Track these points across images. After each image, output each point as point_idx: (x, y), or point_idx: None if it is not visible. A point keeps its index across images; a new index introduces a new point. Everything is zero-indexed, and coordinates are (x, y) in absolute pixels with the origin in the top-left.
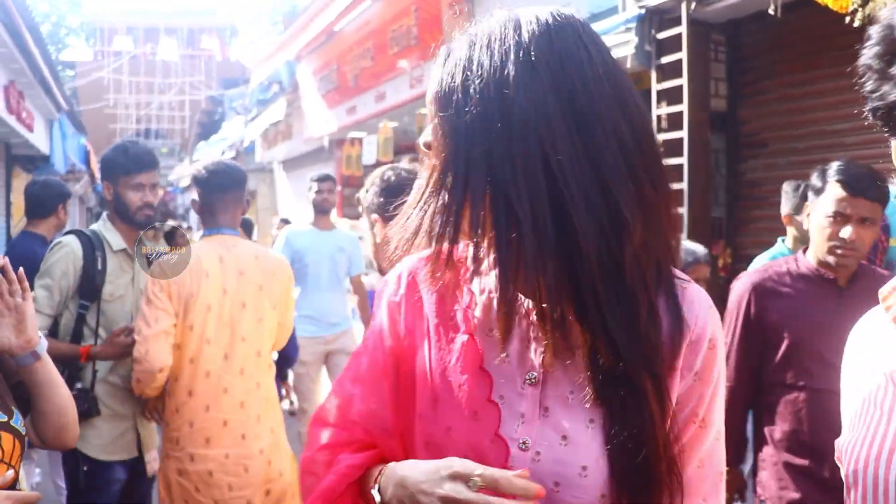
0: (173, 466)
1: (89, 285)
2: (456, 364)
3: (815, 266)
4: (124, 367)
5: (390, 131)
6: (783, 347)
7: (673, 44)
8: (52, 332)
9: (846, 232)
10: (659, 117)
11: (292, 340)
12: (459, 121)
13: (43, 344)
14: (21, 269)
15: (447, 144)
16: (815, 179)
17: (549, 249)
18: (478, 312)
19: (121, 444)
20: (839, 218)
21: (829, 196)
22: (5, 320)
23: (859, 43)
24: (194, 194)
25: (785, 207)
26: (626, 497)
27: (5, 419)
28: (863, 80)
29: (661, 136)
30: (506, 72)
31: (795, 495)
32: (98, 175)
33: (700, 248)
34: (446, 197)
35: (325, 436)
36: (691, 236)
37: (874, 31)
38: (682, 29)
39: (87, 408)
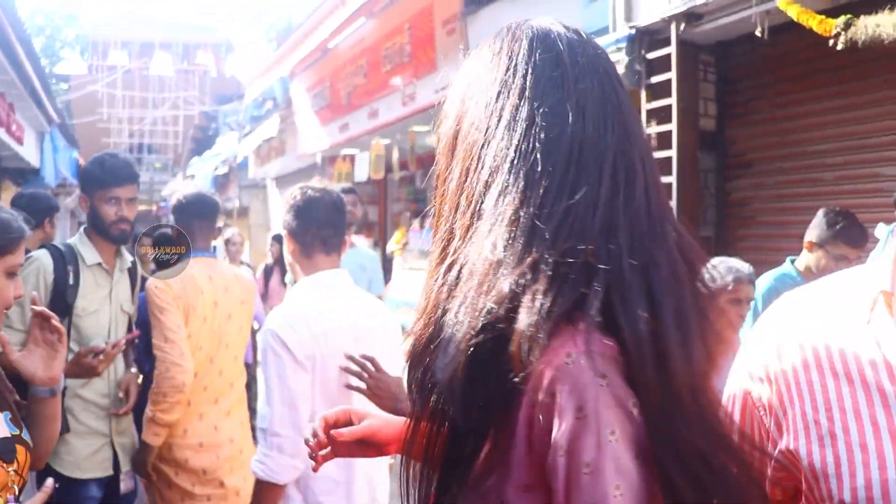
0: (157, 454)
1: (60, 300)
2: None
3: None
4: (102, 383)
5: (382, 148)
6: None
7: (662, 64)
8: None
9: None
10: (648, 136)
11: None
12: None
13: (62, 384)
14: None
15: None
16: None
17: None
18: None
19: (95, 462)
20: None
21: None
22: (38, 351)
23: (843, 65)
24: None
25: (812, 234)
26: None
27: (17, 432)
28: None
29: None
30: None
31: None
32: None
33: (744, 266)
34: None
35: None
36: None
37: None
38: (672, 49)
39: None
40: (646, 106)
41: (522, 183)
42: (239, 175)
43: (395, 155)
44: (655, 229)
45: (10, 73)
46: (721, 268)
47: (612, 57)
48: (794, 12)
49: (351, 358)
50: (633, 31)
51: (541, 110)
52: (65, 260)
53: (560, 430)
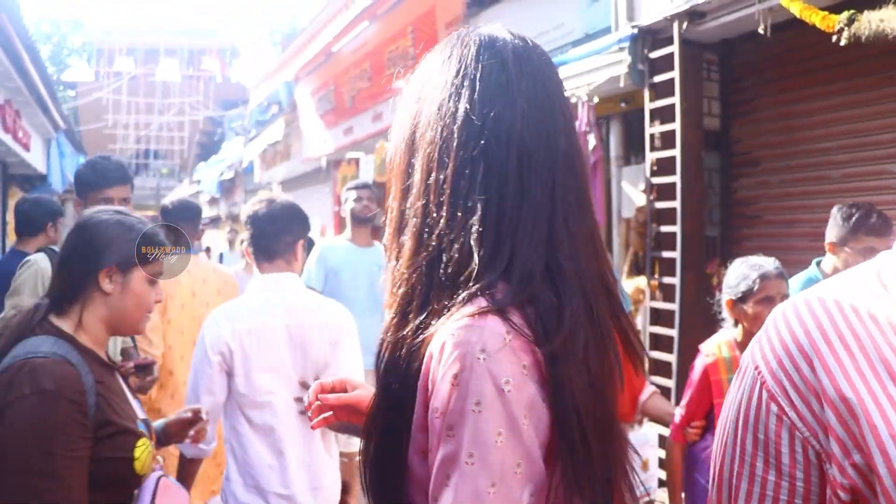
0: None
1: None
2: None
3: None
4: None
5: (387, 151)
6: None
7: (665, 63)
8: None
9: None
10: (652, 136)
11: None
12: None
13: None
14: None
15: None
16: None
17: None
18: None
19: None
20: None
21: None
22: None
23: (847, 61)
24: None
25: (830, 235)
26: None
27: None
28: None
29: (654, 155)
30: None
31: None
32: None
33: (768, 262)
34: None
35: None
36: (685, 255)
37: None
38: (675, 48)
39: None
40: (649, 105)
41: (471, 183)
42: (245, 180)
43: None
44: (581, 238)
45: (16, 81)
46: (743, 268)
47: (615, 57)
48: (796, 9)
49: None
50: (636, 31)
51: (489, 114)
52: None
53: (437, 394)
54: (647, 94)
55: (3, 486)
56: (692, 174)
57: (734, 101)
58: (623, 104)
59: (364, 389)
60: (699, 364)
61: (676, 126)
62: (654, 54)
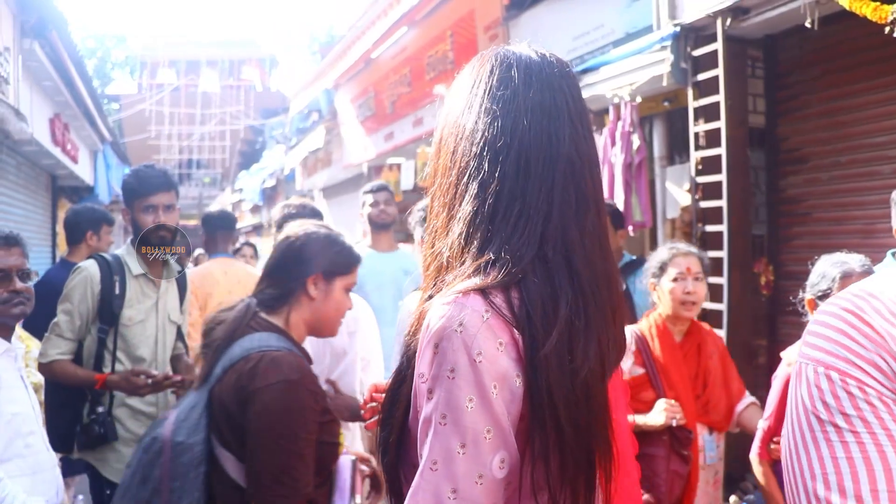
0: None
1: (107, 310)
2: None
3: None
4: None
5: (428, 156)
6: None
7: (709, 61)
8: (77, 356)
9: None
10: (697, 135)
11: None
12: None
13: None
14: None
15: None
16: None
17: None
18: None
19: None
20: None
21: None
22: None
23: None
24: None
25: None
26: None
27: None
28: None
29: (698, 154)
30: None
31: None
32: None
33: (852, 259)
34: None
35: None
36: (732, 254)
37: None
38: (718, 45)
39: (104, 433)
40: (693, 104)
41: (479, 188)
42: (286, 187)
43: None
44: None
45: (64, 94)
46: (825, 265)
47: (657, 56)
48: (846, 1)
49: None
50: (678, 29)
51: (494, 123)
52: (111, 270)
53: (421, 360)
54: (690, 92)
55: (258, 459)
56: (738, 172)
57: (780, 98)
58: (666, 103)
59: None
60: (781, 373)
61: (721, 124)
62: (697, 52)
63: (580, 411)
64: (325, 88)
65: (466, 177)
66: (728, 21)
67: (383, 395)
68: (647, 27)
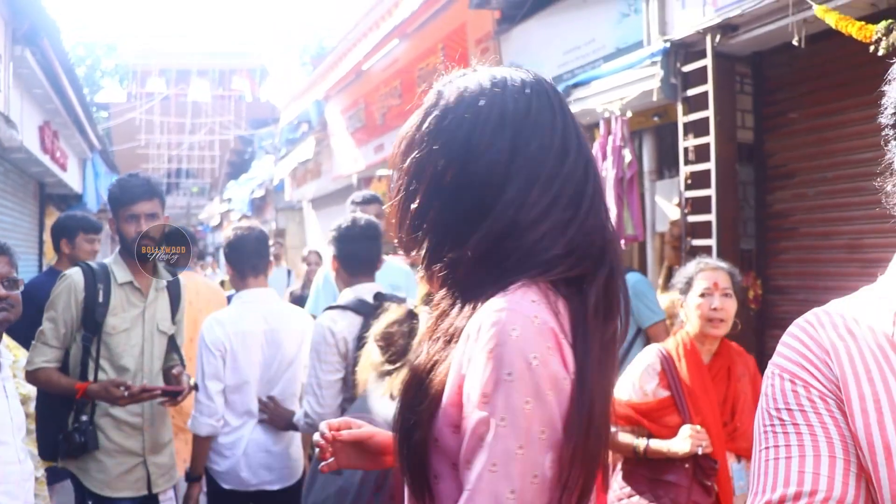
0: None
1: (90, 318)
2: None
3: None
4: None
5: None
6: None
7: (698, 76)
8: (63, 364)
9: None
10: (686, 149)
11: None
12: None
13: None
14: None
15: None
16: None
17: None
18: None
19: (127, 481)
20: None
21: None
22: None
23: (884, 72)
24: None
25: None
26: None
27: None
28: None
29: (688, 169)
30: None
31: None
32: None
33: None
34: None
35: None
36: None
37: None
38: (708, 62)
39: (84, 441)
40: (682, 119)
41: (499, 202)
42: (275, 198)
43: None
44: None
45: (55, 102)
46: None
47: (648, 71)
48: (832, 20)
49: (262, 400)
50: (668, 45)
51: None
52: (95, 278)
53: (473, 368)
54: (680, 107)
55: None
56: (727, 187)
57: (767, 114)
58: (656, 118)
59: (369, 427)
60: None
61: (710, 139)
62: (687, 68)
63: (606, 421)
64: (316, 99)
65: (485, 190)
66: (717, 38)
67: (342, 432)
68: (638, 42)
